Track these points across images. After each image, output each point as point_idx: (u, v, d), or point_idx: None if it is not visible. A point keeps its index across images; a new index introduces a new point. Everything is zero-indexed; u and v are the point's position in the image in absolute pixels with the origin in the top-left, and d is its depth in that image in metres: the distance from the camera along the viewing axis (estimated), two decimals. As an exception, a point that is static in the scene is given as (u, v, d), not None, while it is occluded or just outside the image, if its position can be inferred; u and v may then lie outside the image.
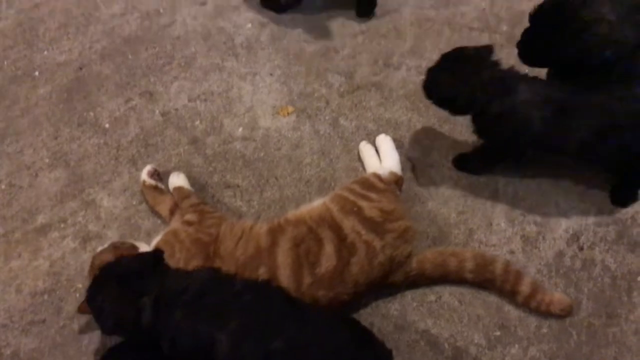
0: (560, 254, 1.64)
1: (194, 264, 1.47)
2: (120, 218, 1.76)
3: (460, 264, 1.55)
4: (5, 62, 2.18)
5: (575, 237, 1.67)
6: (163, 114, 2.01)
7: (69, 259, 1.69)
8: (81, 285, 1.63)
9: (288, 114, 2.00)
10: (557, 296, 1.53)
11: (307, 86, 2.07)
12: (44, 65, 2.16)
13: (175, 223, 1.62)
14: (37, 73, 2.14)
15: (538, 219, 1.71)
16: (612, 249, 1.65)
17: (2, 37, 2.26)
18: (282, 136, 1.95)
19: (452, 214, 1.74)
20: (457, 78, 1.58)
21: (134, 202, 1.80)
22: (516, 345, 1.52)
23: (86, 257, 1.68)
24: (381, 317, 1.57)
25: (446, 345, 1.53)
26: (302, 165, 1.87)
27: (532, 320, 1.54)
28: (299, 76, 2.10)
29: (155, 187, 1.77)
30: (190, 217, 1.61)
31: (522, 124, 1.57)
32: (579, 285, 1.58)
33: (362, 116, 1.98)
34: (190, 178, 1.79)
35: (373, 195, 1.59)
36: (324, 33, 2.23)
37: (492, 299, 1.57)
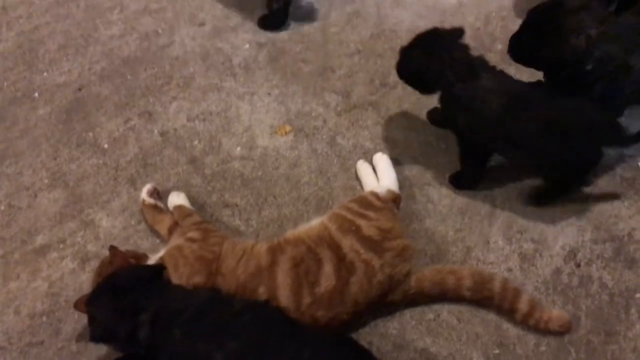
0: (557, 271, 1.65)
1: (197, 279, 1.47)
2: (119, 238, 1.77)
3: (458, 282, 1.56)
4: (5, 84, 2.20)
5: (572, 254, 1.68)
6: (162, 134, 2.02)
7: (67, 280, 1.69)
8: (80, 306, 1.63)
9: (286, 133, 2.02)
10: (555, 313, 1.53)
11: (305, 105, 2.09)
12: (43, 87, 2.18)
13: (179, 239, 1.63)
14: (36, 94, 2.16)
15: (535, 236, 1.72)
16: (609, 265, 1.65)
17: (2, 59, 2.28)
18: (280, 155, 1.96)
19: (449, 231, 1.75)
20: (428, 55, 1.66)
21: (133, 222, 1.80)
22: (515, 363, 1.52)
23: (85, 277, 1.68)
24: (380, 336, 1.57)
25: (445, 364, 1.53)
26: (300, 184, 1.88)
27: (531, 338, 1.54)
28: (297, 95, 2.12)
29: (155, 206, 1.77)
30: (193, 234, 1.61)
31: (479, 108, 1.63)
32: (577, 303, 1.59)
33: (359, 135, 2.00)
34: (189, 197, 1.80)
35: (371, 214, 1.60)
36: (320, 53, 2.25)
37: (491, 316, 1.57)
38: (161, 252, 1.58)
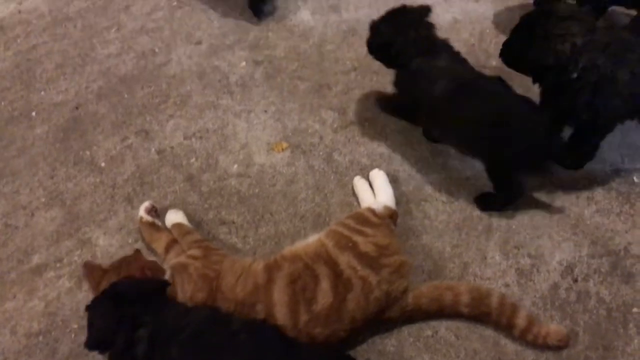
0: (555, 287, 1.65)
1: (200, 296, 1.47)
2: (116, 256, 1.75)
3: (455, 298, 1.55)
4: (3, 103, 2.21)
5: (569, 269, 1.68)
6: (159, 152, 2.03)
7: (64, 299, 1.68)
8: (77, 325, 1.62)
9: (282, 150, 2.02)
10: (553, 328, 1.53)
11: (301, 122, 2.10)
12: (40, 106, 2.19)
13: (180, 257, 1.62)
14: (34, 113, 2.16)
15: (532, 251, 1.72)
16: (606, 280, 1.65)
17: (0, 79, 2.29)
18: (276, 172, 1.96)
19: (446, 247, 1.75)
20: (395, 29, 1.79)
21: (130, 241, 1.80)
22: (514, 380, 1.51)
23: (82, 296, 1.68)
24: (378, 353, 1.56)
25: (444, 381, 1.52)
26: (297, 200, 1.89)
27: (529, 354, 1.53)
28: (293, 113, 2.13)
29: (152, 224, 1.77)
30: (195, 252, 1.61)
31: (429, 84, 1.74)
32: (575, 318, 1.59)
33: (356, 151, 2.01)
34: (185, 215, 1.80)
35: (368, 230, 1.60)
36: (317, 70, 2.27)
37: (489, 332, 1.57)
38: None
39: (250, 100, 2.18)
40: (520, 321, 1.52)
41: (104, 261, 1.74)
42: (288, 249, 1.61)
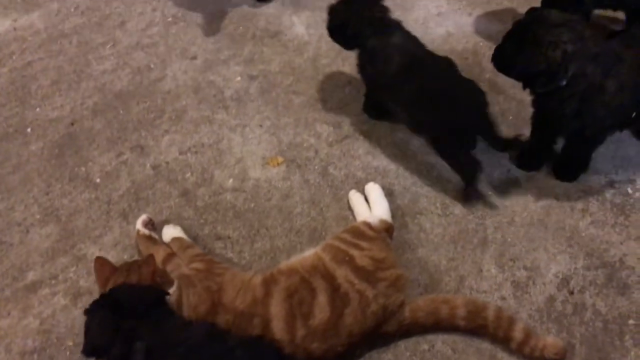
0: (551, 299, 1.65)
1: (203, 308, 1.47)
2: (112, 273, 1.76)
3: (452, 311, 1.55)
4: (-2, 120, 2.21)
5: (565, 281, 1.68)
6: (154, 167, 2.03)
7: (59, 317, 1.67)
8: (72, 343, 1.61)
9: (278, 164, 2.03)
10: (550, 340, 1.52)
11: (296, 136, 2.11)
12: (35, 122, 2.19)
13: (184, 270, 1.62)
14: (29, 130, 2.17)
15: (527, 264, 1.72)
16: (602, 292, 1.65)
17: (-5, 95, 2.30)
18: (272, 186, 1.97)
19: (442, 260, 1.75)
20: (351, 9, 1.89)
21: (125, 257, 1.79)
22: (511, 393, 1.51)
23: (77, 313, 1.67)
24: (375, 367, 1.56)
25: (441, 395, 1.52)
26: (293, 215, 1.89)
27: (526, 367, 1.53)
28: (288, 127, 2.14)
29: (150, 237, 1.77)
30: (197, 265, 1.62)
31: (384, 62, 1.85)
32: (571, 330, 1.58)
33: (351, 165, 2.01)
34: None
35: (364, 244, 1.61)
36: (311, 85, 2.28)
37: (485, 345, 1.56)
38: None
39: (246, 115, 2.19)
40: (517, 334, 1.51)
41: (99, 278, 1.74)
42: (285, 263, 1.61)
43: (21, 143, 2.12)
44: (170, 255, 1.69)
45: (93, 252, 1.81)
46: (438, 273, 1.72)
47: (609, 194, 1.88)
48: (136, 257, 1.78)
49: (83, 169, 2.04)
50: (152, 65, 2.39)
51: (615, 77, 1.62)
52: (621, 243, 1.76)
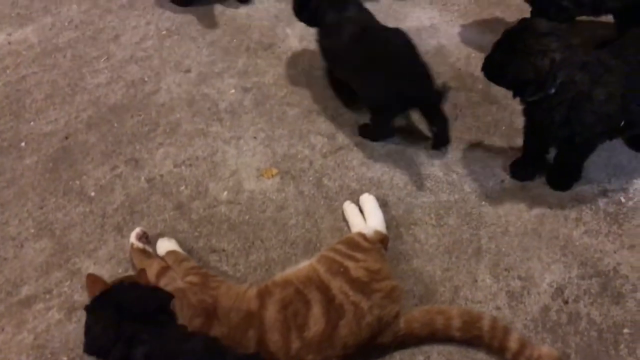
0: (545, 309, 1.65)
1: (198, 321, 1.47)
2: (106, 287, 1.75)
3: (447, 322, 1.55)
4: (-8, 134, 2.21)
5: (559, 291, 1.69)
6: (148, 181, 2.03)
7: (53, 331, 1.67)
8: (66, 358, 1.61)
9: (272, 176, 2.03)
10: (545, 350, 1.52)
11: (291, 148, 2.11)
12: (30, 136, 2.19)
13: (179, 283, 1.62)
14: (23, 144, 2.16)
15: (522, 273, 1.73)
16: (596, 301, 1.66)
17: (-11, 109, 2.30)
18: (266, 198, 1.97)
19: (437, 271, 1.75)
20: None
21: (120, 270, 1.79)
22: (507, 404, 1.51)
23: (71, 328, 1.66)
24: (371, 379, 1.55)
25: (437, 407, 1.51)
26: (287, 226, 1.89)
27: (522, 377, 1.53)
28: (282, 138, 2.14)
29: (144, 251, 1.77)
30: (192, 278, 1.62)
31: (338, 34, 1.99)
32: (566, 340, 1.59)
33: (345, 176, 2.02)
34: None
35: (359, 255, 1.61)
36: (305, 96, 2.29)
37: (481, 356, 1.56)
38: None
39: (240, 127, 2.19)
40: (512, 344, 1.52)
41: (94, 292, 1.73)
42: (280, 275, 1.61)
43: (15, 157, 2.12)
44: (165, 269, 1.69)
45: (87, 266, 1.81)
46: (433, 284, 1.72)
47: (602, 202, 1.89)
48: (131, 271, 1.77)
49: (77, 182, 2.04)
50: (146, 79, 2.40)
51: (603, 86, 1.64)
52: (615, 252, 1.77)
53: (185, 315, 1.48)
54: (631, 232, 1.81)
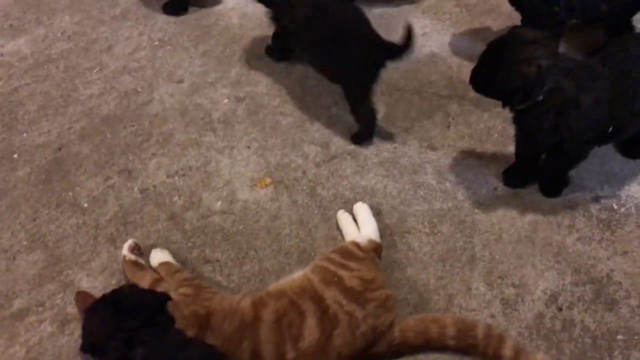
0: (540, 316, 1.65)
1: (191, 333, 1.46)
2: (99, 299, 1.75)
3: (441, 331, 1.55)
4: (-16, 146, 2.20)
5: (553, 298, 1.69)
6: (142, 191, 2.03)
7: (46, 345, 1.65)
8: (59, 371, 1.60)
9: (266, 185, 2.03)
10: (539, 357, 1.52)
11: (284, 157, 2.11)
12: (22, 148, 2.18)
13: (171, 294, 1.61)
14: (15, 155, 2.16)
15: (516, 281, 1.73)
16: (590, 308, 1.66)
17: (-19, 121, 2.29)
18: (260, 208, 1.97)
19: (431, 279, 1.75)
20: None
21: (113, 282, 1.78)
22: (503, 412, 1.50)
23: (64, 341, 1.65)
24: (366, 389, 1.55)
25: (432, 416, 1.51)
26: (281, 236, 1.89)
27: (517, 385, 1.53)
28: (276, 148, 2.15)
29: (136, 263, 1.76)
30: (185, 290, 1.61)
31: (293, 15, 2.10)
32: (561, 347, 1.59)
33: (339, 185, 2.02)
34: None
35: (352, 264, 1.61)
36: (298, 105, 2.29)
37: (476, 364, 1.56)
38: None
39: (233, 137, 2.20)
40: (507, 352, 1.51)
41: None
42: (273, 285, 1.60)
43: (8, 169, 2.11)
44: (158, 281, 1.68)
45: (80, 278, 1.80)
46: (427, 292, 1.72)
47: (594, 209, 1.90)
48: (123, 283, 1.77)
49: (70, 194, 2.03)
50: (139, 89, 2.40)
51: (590, 92, 1.65)
52: (608, 258, 1.77)
53: (178, 327, 1.47)
54: (624, 238, 1.82)
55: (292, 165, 2.09)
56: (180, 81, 2.42)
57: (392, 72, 2.37)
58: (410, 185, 1.99)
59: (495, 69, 1.68)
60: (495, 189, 1.97)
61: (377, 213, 1.88)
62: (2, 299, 1.76)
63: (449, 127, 2.17)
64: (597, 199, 1.92)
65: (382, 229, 1.84)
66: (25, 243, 1.90)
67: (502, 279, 1.74)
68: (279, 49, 2.44)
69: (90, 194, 2.02)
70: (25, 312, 1.73)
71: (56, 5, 2.82)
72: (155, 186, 2.04)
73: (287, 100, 2.32)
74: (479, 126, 2.16)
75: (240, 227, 1.92)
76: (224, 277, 1.79)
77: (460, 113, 2.21)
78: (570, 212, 1.89)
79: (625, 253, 1.78)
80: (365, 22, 2.03)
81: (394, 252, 1.82)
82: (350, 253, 1.65)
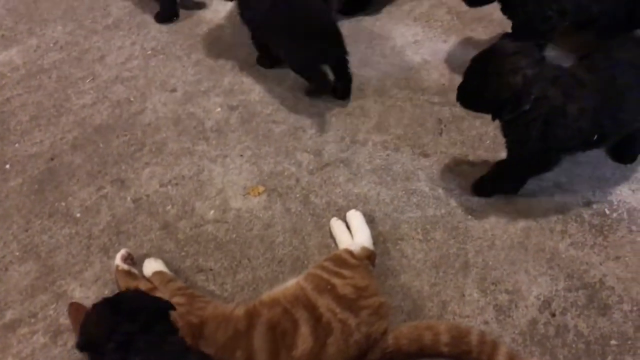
0: (533, 322, 1.65)
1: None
2: (92, 309, 1.74)
3: (435, 338, 1.54)
4: (-24, 157, 2.20)
5: (546, 303, 1.69)
6: (134, 201, 2.02)
7: (38, 356, 1.64)
8: (51, 382, 1.59)
9: (259, 193, 2.03)
10: (534, 364, 1.53)
11: (277, 165, 2.12)
12: (15, 158, 2.18)
13: None
14: (8, 166, 2.15)
15: (509, 287, 1.73)
16: (583, 313, 1.66)
17: (-27, 132, 2.29)
18: (253, 216, 1.97)
19: (425, 286, 1.75)
20: None
21: (106, 292, 1.78)
22: (497, 419, 1.50)
23: (57, 352, 1.64)
24: (360, 397, 1.54)
25: (427, 423, 1.50)
26: (275, 244, 1.88)
27: (511, 391, 1.52)
28: (269, 156, 2.15)
29: (129, 272, 1.76)
30: (179, 299, 1.60)
31: (256, 8, 2.21)
32: (554, 353, 1.59)
33: (332, 192, 2.02)
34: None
35: (346, 272, 1.60)
36: (291, 113, 2.30)
37: (470, 371, 1.56)
38: None
39: (226, 145, 2.20)
40: (501, 358, 1.50)
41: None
42: (267, 294, 1.60)
43: (0, 180, 2.11)
44: (151, 290, 1.68)
45: (73, 288, 1.79)
46: (421, 299, 1.72)
47: (587, 215, 1.90)
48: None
49: (63, 204, 2.02)
50: (131, 99, 2.40)
51: (576, 101, 1.66)
52: (601, 264, 1.77)
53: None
54: (616, 243, 1.82)
55: (285, 173, 2.09)
56: (173, 90, 2.42)
57: (384, 79, 2.39)
58: (403, 192, 2.00)
59: (482, 82, 1.68)
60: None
61: (370, 220, 1.88)
62: (-6, 311, 1.75)
63: (441, 134, 2.18)
64: (589, 204, 1.93)
65: (375, 236, 1.84)
66: (17, 253, 1.89)
67: (496, 285, 1.74)
68: (268, 56, 2.47)
69: (83, 204, 2.02)
70: (18, 323, 1.72)
71: (48, 15, 2.83)
72: (148, 195, 2.04)
73: (280, 108, 2.33)
74: (471, 133, 2.17)
75: (234, 235, 1.91)
76: (217, 286, 1.79)
77: (452, 120, 2.22)
78: (562, 217, 1.90)
79: (617, 258, 1.79)
80: (325, 12, 2.20)
81: (387, 259, 1.82)
82: (343, 261, 1.65)
